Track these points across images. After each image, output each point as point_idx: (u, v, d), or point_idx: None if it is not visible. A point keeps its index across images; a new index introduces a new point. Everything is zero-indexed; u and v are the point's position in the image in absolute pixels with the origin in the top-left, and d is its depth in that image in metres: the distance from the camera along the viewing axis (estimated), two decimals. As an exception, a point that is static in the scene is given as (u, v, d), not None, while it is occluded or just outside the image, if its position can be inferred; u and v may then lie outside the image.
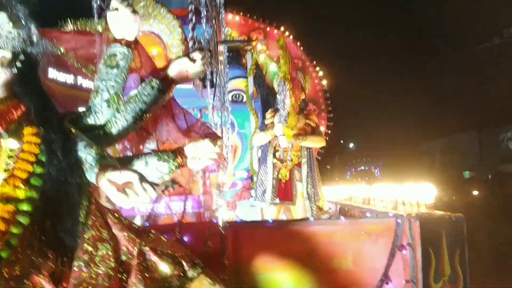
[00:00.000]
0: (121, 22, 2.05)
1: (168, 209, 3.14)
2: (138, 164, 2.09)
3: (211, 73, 5.04)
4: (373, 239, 2.54)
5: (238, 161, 7.90)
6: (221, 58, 5.65)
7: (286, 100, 4.04)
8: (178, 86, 2.08)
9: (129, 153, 2.20)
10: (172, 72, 2.09)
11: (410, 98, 33.10)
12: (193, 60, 2.07)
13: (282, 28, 10.21)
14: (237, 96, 8.04)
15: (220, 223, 2.31)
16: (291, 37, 10.13)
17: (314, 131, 4.54)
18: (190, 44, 3.54)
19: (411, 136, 30.81)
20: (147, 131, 2.20)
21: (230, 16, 10.08)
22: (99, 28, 2.11)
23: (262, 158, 4.70)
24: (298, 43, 10.17)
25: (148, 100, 2.07)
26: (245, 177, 7.85)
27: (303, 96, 4.63)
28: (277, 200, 4.44)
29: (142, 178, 1.56)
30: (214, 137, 2.19)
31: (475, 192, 15.83)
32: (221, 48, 6.00)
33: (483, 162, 21.06)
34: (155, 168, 2.09)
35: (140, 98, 2.07)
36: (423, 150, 30.46)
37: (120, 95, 2.08)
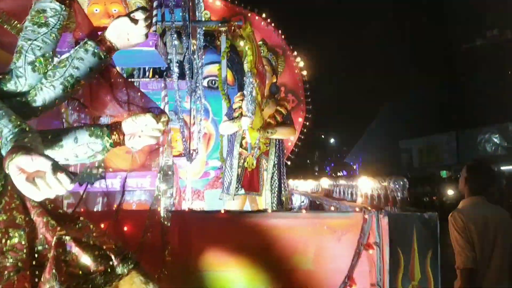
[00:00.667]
0: None
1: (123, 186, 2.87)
2: (67, 140, 1.80)
3: (184, 55, 4.75)
4: (337, 236, 2.27)
5: (212, 149, 7.64)
6: (194, 41, 5.37)
7: (253, 92, 3.74)
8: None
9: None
10: (110, 34, 1.78)
11: (391, 96, 33.16)
12: (135, 21, 1.77)
13: (264, 15, 9.96)
14: (213, 82, 7.79)
15: (162, 212, 2.02)
16: (272, 24, 9.88)
17: (285, 120, 4.24)
18: (155, 4, 3.23)
19: (391, 134, 30.91)
20: (80, 102, 1.89)
21: (210, 0, 9.78)
22: (26, -22, 1.78)
23: (229, 148, 4.39)
24: (280, 31, 9.93)
25: (81, 66, 1.77)
26: (218, 167, 7.59)
27: (274, 80, 4.34)
28: (242, 191, 4.15)
29: (56, 167, 1.29)
30: (158, 112, 1.90)
31: (451, 192, 15.91)
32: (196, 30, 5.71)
33: (460, 162, 21.18)
34: (86, 145, 1.79)
35: (71, 62, 1.77)
36: (402, 148, 30.62)
37: (49, 59, 1.79)
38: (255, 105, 3.73)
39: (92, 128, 1.82)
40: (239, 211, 3.51)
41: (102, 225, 2.03)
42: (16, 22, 1.86)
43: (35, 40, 1.75)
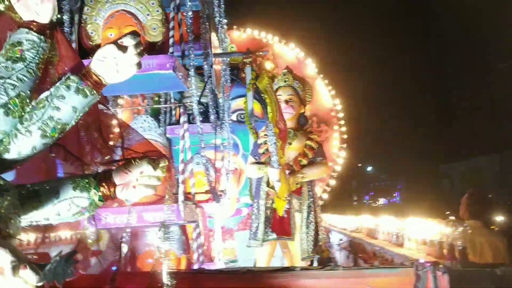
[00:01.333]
0: None
1: (140, 220, 2.57)
2: (47, 195, 1.49)
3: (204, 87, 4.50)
4: (385, 299, 1.84)
5: (243, 185, 7.32)
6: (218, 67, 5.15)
7: (275, 146, 3.39)
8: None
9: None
10: (96, 66, 1.48)
11: (430, 119, 32.28)
12: (123, 48, 1.46)
13: (292, 45, 9.74)
14: (242, 116, 7.52)
15: (164, 277, 1.65)
16: (302, 54, 9.63)
17: (316, 155, 3.85)
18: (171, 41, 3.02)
19: (431, 159, 29.92)
20: (64, 149, 1.59)
21: (236, 33, 9.68)
22: (0, 7, 1.53)
23: (255, 188, 4.02)
24: (310, 60, 9.66)
25: (63, 105, 1.47)
26: (250, 203, 7.23)
27: (302, 110, 3.99)
28: (273, 235, 3.74)
29: (18, 264, 1.04)
30: (156, 157, 1.57)
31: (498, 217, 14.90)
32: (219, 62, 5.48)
33: (504, 186, 20.12)
34: (69, 200, 1.48)
35: (51, 102, 1.47)
36: (443, 173, 29.59)
37: (26, 99, 1.50)
38: (279, 171, 3.40)
39: (77, 179, 1.51)
40: (262, 269, 3.08)
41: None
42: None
43: (8, 78, 1.48)
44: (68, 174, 1.62)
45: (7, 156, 1.47)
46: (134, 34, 1.51)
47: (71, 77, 1.49)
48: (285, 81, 3.99)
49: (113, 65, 1.49)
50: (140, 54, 1.52)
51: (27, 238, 2.18)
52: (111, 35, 2.94)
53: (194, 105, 3.43)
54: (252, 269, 2.21)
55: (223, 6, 5.26)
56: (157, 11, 3.02)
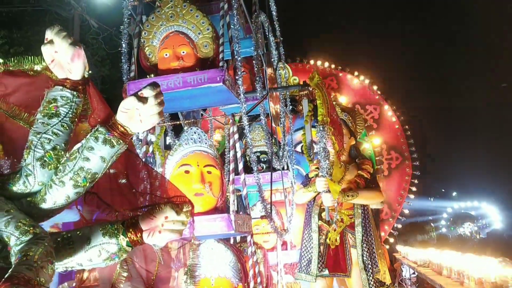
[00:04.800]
0: (60, 59, 1.60)
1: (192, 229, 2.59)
2: (78, 242, 1.57)
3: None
4: None
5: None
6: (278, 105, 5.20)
7: (327, 148, 3.25)
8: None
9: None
10: (121, 117, 1.56)
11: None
12: (143, 99, 1.53)
13: (356, 73, 9.63)
14: (305, 147, 7.46)
15: None
16: (366, 81, 9.48)
17: (368, 184, 3.68)
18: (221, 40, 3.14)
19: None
20: (98, 197, 1.67)
21: (300, 65, 9.75)
22: (38, 67, 1.66)
23: (306, 219, 3.89)
24: (375, 87, 9.48)
25: (92, 156, 1.55)
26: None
27: (353, 142, 3.86)
28: (326, 272, 3.59)
29: None
30: (179, 201, 1.61)
31: None
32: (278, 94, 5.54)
33: None
34: (99, 246, 1.54)
35: (81, 154, 1.56)
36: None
37: (61, 151, 1.60)
38: (333, 155, 3.27)
39: (107, 225, 1.58)
40: None
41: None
42: (27, 114, 1.73)
43: (44, 133, 1.59)
44: (100, 221, 1.69)
45: (43, 205, 1.57)
46: (154, 85, 1.57)
47: (99, 128, 1.56)
48: (332, 114, 3.92)
49: (136, 115, 1.55)
50: (161, 104, 1.57)
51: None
52: (166, 55, 3.11)
53: (252, 155, 3.45)
54: None
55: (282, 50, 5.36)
56: (208, 29, 3.15)
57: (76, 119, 1.67)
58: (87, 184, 1.57)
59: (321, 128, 3.24)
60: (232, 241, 3.78)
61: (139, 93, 1.56)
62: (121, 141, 1.56)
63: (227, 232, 2.78)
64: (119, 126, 1.56)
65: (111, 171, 1.66)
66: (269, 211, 3.53)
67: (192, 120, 3.72)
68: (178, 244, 2.24)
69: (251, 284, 3.22)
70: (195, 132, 3.06)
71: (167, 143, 4.36)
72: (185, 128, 3.33)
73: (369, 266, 3.49)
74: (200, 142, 3.04)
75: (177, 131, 4.01)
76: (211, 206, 2.86)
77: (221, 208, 2.94)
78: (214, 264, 3.16)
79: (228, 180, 3.08)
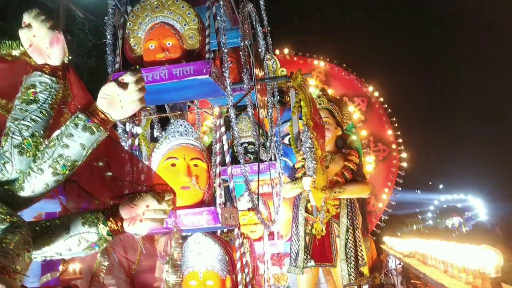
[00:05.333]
0: (38, 43, 1.57)
1: (180, 224, 2.57)
2: (57, 231, 1.54)
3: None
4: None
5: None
6: (265, 98, 5.18)
7: (313, 148, 3.24)
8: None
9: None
10: (101, 104, 1.53)
11: (508, 132, 30.41)
12: (124, 85, 1.50)
13: (343, 65, 9.65)
14: (294, 139, 7.45)
15: None
16: (354, 73, 9.51)
17: (355, 176, 3.68)
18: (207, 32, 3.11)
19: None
20: (77, 185, 1.64)
21: (288, 57, 9.74)
22: (16, 53, 1.62)
23: (294, 213, 3.89)
24: (363, 80, 9.51)
25: (72, 143, 1.52)
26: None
27: (339, 132, 3.86)
28: (312, 262, 3.60)
29: None
30: (161, 190, 1.59)
31: None
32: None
33: None
34: (79, 235, 1.52)
35: (60, 141, 1.53)
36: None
37: (40, 139, 1.57)
38: (316, 161, 3.26)
39: (86, 214, 1.55)
40: None
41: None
42: (5, 101, 1.69)
43: (22, 119, 1.56)
44: (80, 209, 1.66)
45: (22, 194, 1.54)
46: (135, 70, 1.54)
47: (79, 115, 1.54)
48: (319, 104, 3.90)
49: (117, 102, 1.52)
50: (142, 90, 1.54)
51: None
52: (151, 46, 3.05)
53: (238, 147, 3.43)
54: None
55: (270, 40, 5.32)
56: (194, 20, 3.09)
57: (55, 106, 1.64)
58: (67, 172, 1.54)
59: (306, 129, 3.24)
60: (219, 232, 3.77)
61: (119, 78, 1.53)
62: (102, 128, 1.53)
63: (213, 226, 2.76)
64: (100, 113, 1.53)
65: (92, 158, 1.64)
66: (256, 203, 3.53)
67: (179, 112, 3.70)
68: (165, 237, 2.21)
69: (239, 276, 3.22)
70: (181, 125, 3.03)
71: (155, 135, 4.33)
72: (172, 120, 3.30)
73: (352, 258, 3.51)
74: (186, 135, 3.01)
75: (164, 123, 3.98)
76: (198, 199, 2.84)
77: (207, 202, 2.92)
78: (202, 257, 3.15)
79: (215, 173, 3.06)
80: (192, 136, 3.02)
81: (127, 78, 1.51)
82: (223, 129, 3.22)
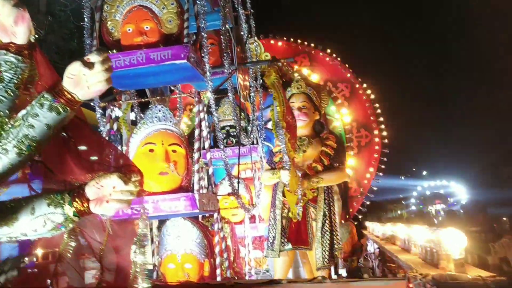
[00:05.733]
0: (2, 21, 1.53)
1: (156, 210, 2.57)
2: (22, 212, 1.52)
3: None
4: (375, 312, 1.75)
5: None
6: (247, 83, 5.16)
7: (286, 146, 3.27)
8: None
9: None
10: (67, 83, 1.50)
11: (489, 119, 30.90)
12: (89, 65, 1.47)
13: (328, 50, 9.63)
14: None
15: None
16: (338, 59, 9.51)
17: (333, 161, 3.70)
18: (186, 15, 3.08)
19: (490, 162, 28.53)
20: (44, 165, 1.63)
21: (272, 41, 9.68)
22: (-20, 31, 1.58)
23: (272, 199, 3.92)
24: (346, 65, 9.52)
25: (37, 123, 1.50)
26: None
27: (317, 117, 3.87)
28: (289, 245, 3.64)
29: None
30: (127, 171, 1.58)
31: None
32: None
33: None
34: (44, 216, 1.50)
35: (26, 121, 1.50)
36: (506, 178, 27.96)
37: (5, 118, 1.54)
38: (289, 164, 3.29)
39: (52, 195, 1.53)
40: (250, 282, 2.97)
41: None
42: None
43: None
44: (46, 190, 1.65)
45: None
46: (101, 50, 1.52)
47: (45, 95, 1.51)
48: (297, 88, 3.89)
49: (83, 82, 1.50)
50: (108, 70, 1.52)
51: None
52: (129, 30, 3.02)
53: (217, 133, 3.43)
54: (238, 281, 2.14)
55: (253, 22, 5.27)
56: (172, 4, 3.05)
57: (21, 85, 1.61)
58: (32, 153, 1.52)
59: (280, 126, 3.26)
60: (200, 217, 3.78)
61: (85, 58, 1.51)
62: (68, 108, 1.51)
63: (191, 211, 2.76)
64: (66, 93, 1.51)
65: (58, 139, 1.62)
66: (236, 188, 3.53)
67: (159, 97, 3.67)
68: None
69: (218, 260, 3.24)
70: (159, 110, 3.00)
71: (133, 118, 4.29)
72: (150, 106, 3.28)
73: (327, 242, 3.56)
74: (165, 120, 2.98)
75: (145, 107, 3.94)
76: (176, 185, 2.83)
77: (186, 187, 2.91)
78: (181, 240, 3.17)
79: (193, 159, 3.05)
80: (171, 121, 2.99)
81: (93, 57, 1.49)
82: (202, 114, 3.21)
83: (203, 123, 3.16)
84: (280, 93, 3.39)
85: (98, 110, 3.22)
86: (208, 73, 3.11)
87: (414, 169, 38.17)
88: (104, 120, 3.21)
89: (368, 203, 9.21)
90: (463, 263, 1.81)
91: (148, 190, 2.65)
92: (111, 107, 3.27)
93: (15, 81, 1.56)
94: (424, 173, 39.63)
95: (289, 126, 3.34)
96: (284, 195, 3.73)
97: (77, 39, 10.88)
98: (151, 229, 3.53)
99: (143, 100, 3.70)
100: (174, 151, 2.84)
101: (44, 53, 1.73)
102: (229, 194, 3.73)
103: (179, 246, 3.15)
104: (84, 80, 1.49)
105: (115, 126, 3.24)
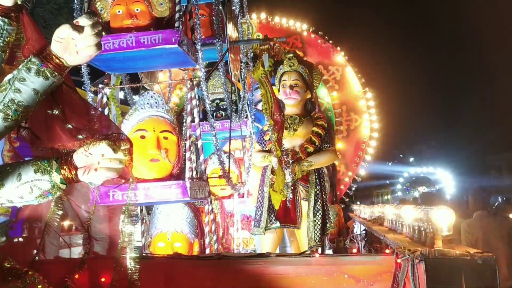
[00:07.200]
0: None
1: (147, 197, 2.56)
2: (8, 178, 1.49)
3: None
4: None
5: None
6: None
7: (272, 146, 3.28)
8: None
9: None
10: (56, 48, 1.46)
11: (475, 108, 31.15)
12: (79, 29, 1.43)
13: (320, 33, 9.56)
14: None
15: (128, 260, 1.61)
16: (330, 41, 9.44)
17: (324, 142, 3.71)
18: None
19: (476, 149, 28.88)
20: (31, 132, 1.59)
21: (264, 21, 9.58)
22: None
23: (261, 177, 3.92)
24: (339, 48, 9.46)
25: (24, 88, 1.46)
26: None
27: (309, 96, 3.86)
28: (277, 223, 3.65)
29: None
30: (117, 139, 1.55)
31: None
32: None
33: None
34: (31, 183, 1.47)
35: (12, 85, 1.46)
36: (490, 165, 28.38)
37: None
38: (275, 161, 3.28)
39: (39, 162, 1.50)
40: (237, 255, 2.98)
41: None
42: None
43: None
44: (33, 156, 1.62)
45: None
46: (91, 13, 1.48)
47: (32, 59, 1.47)
48: (290, 66, 3.86)
49: (72, 46, 1.46)
50: (99, 35, 1.48)
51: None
52: (119, 11, 2.95)
53: (206, 105, 3.39)
54: (227, 254, 2.15)
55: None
56: None
57: (8, 49, 1.57)
58: (19, 118, 1.48)
59: (268, 118, 3.25)
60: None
61: (74, 21, 1.47)
62: (56, 74, 1.47)
63: (182, 199, 2.75)
64: (54, 58, 1.47)
65: (46, 105, 1.58)
66: (227, 168, 3.50)
67: (150, 83, 3.61)
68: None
69: (207, 240, 3.25)
70: (151, 97, 2.95)
71: (122, 97, 4.22)
72: (141, 92, 3.22)
73: (319, 221, 3.58)
74: (156, 107, 2.94)
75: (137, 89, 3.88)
76: (167, 172, 2.81)
77: (177, 175, 2.89)
78: (171, 219, 3.16)
79: (185, 147, 3.01)
80: (163, 108, 2.95)
81: (83, 21, 1.45)
82: (194, 102, 3.17)
83: (195, 110, 3.13)
84: (268, 89, 3.36)
85: (89, 94, 3.18)
86: (200, 61, 3.04)
87: (401, 156, 38.46)
88: (95, 104, 3.17)
89: (355, 186, 9.27)
90: (451, 240, 1.82)
91: (139, 177, 2.63)
92: (102, 91, 3.23)
93: (2, 44, 1.53)
94: (411, 159, 39.96)
95: (276, 123, 3.32)
96: (273, 173, 3.73)
97: (66, 14, 10.67)
98: (141, 210, 3.53)
99: (134, 85, 3.63)
100: (165, 138, 2.81)
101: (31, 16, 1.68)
102: (220, 177, 3.70)
103: (170, 224, 3.14)
104: (73, 44, 1.45)
105: (106, 111, 3.20)
